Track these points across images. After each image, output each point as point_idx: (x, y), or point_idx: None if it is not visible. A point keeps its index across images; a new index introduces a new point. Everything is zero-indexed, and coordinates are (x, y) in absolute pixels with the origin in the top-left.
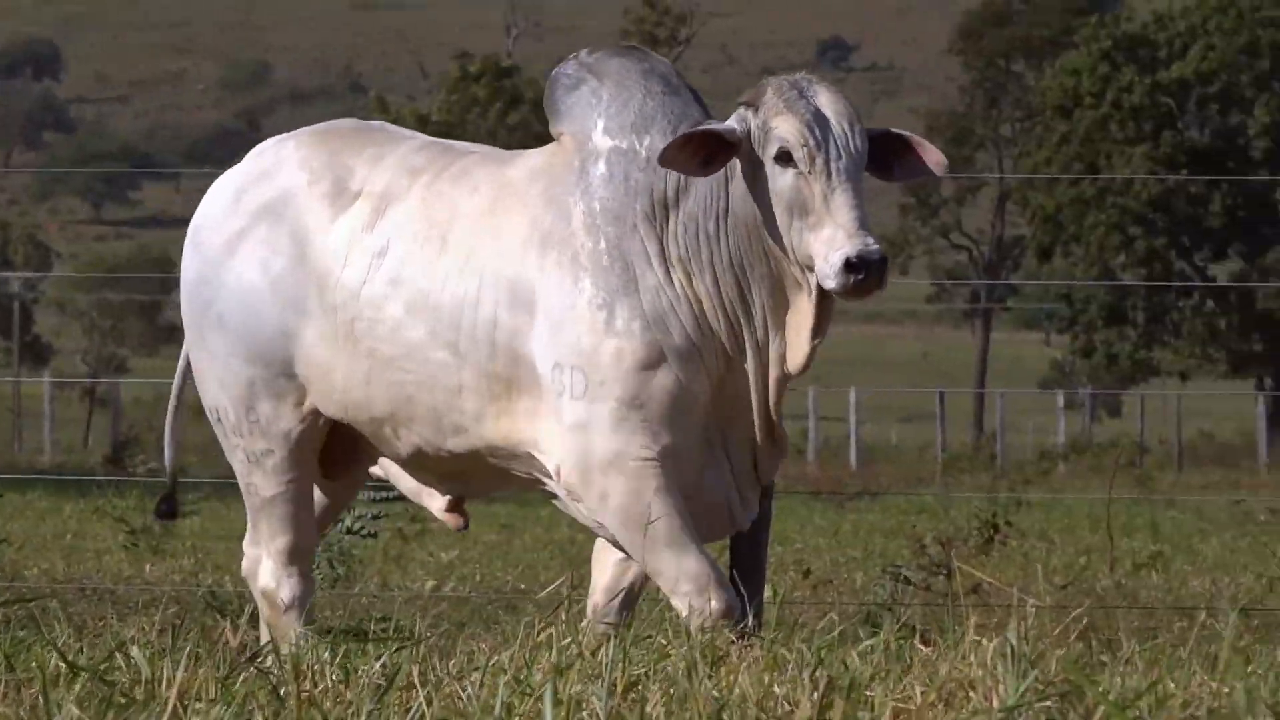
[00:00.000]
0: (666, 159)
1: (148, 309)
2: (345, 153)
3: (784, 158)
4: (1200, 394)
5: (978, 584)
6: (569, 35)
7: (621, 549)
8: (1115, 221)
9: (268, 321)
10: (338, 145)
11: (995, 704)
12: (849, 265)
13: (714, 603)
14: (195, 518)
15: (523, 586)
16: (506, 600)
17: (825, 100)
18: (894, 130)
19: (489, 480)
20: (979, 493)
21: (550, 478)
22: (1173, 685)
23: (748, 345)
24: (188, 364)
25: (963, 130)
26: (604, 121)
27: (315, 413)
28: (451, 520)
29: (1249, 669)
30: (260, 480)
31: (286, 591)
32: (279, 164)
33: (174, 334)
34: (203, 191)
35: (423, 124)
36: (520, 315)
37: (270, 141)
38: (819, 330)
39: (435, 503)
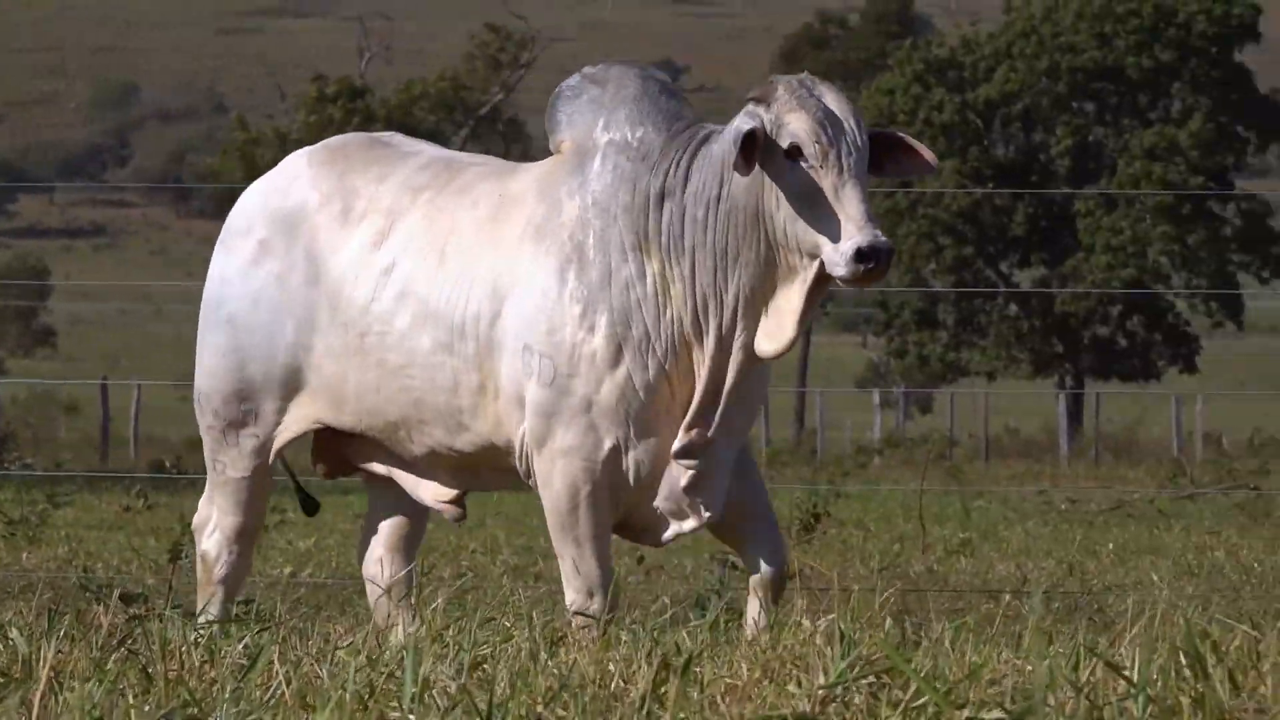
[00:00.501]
0: (739, 168)
1: (24, 313)
2: (351, 174)
3: (795, 152)
4: (1006, 392)
5: (800, 569)
6: (417, 58)
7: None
8: (926, 231)
9: (280, 331)
10: (344, 166)
11: (819, 681)
12: (860, 254)
13: (594, 604)
14: (68, 508)
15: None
16: (360, 585)
17: (832, 99)
18: (889, 130)
19: (499, 476)
20: (801, 484)
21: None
22: (979, 660)
23: (710, 330)
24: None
25: None
26: (604, 118)
27: (307, 418)
28: (449, 511)
29: (1050, 648)
30: (230, 460)
31: (221, 568)
32: (294, 179)
33: (48, 337)
34: (75, 205)
35: (283, 141)
36: (495, 303)
37: (295, 154)
38: (806, 316)
39: (429, 493)
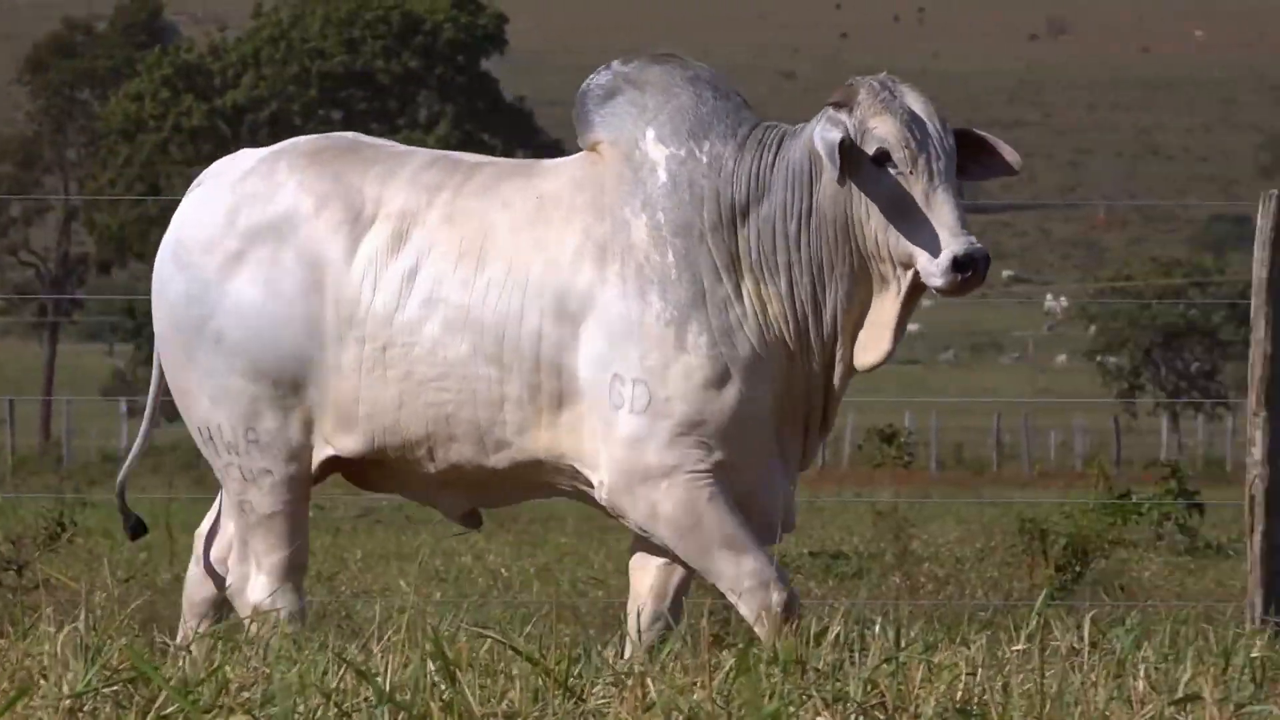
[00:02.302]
0: (841, 181)
1: None
2: (348, 174)
3: (883, 158)
4: None
5: (47, 578)
6: None
7: (676, 559)
8: None
9: (277, 340)
10: (338, 167)
11: (65, 690)
12: (957, 263)
13: (776, 596)
14: None
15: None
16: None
17: (914, 100)
18: (972, 129)
19: (517, 492)
20: (47, 493)
21: (592, 488)
22: (231, 672)
23: (813, 344)
24: (160, 381)
25: (31, 155)
26: (654, 130)
27: (324, 443)
28: (470, 520)
29: (302, 654)
30: (256, 497)
31: (285, 606)
32: (274, 186)
33: None
34: None
35: None
36: (565, 327)
37: (252, 158)
38: (903, 327)
39: (448, 505)
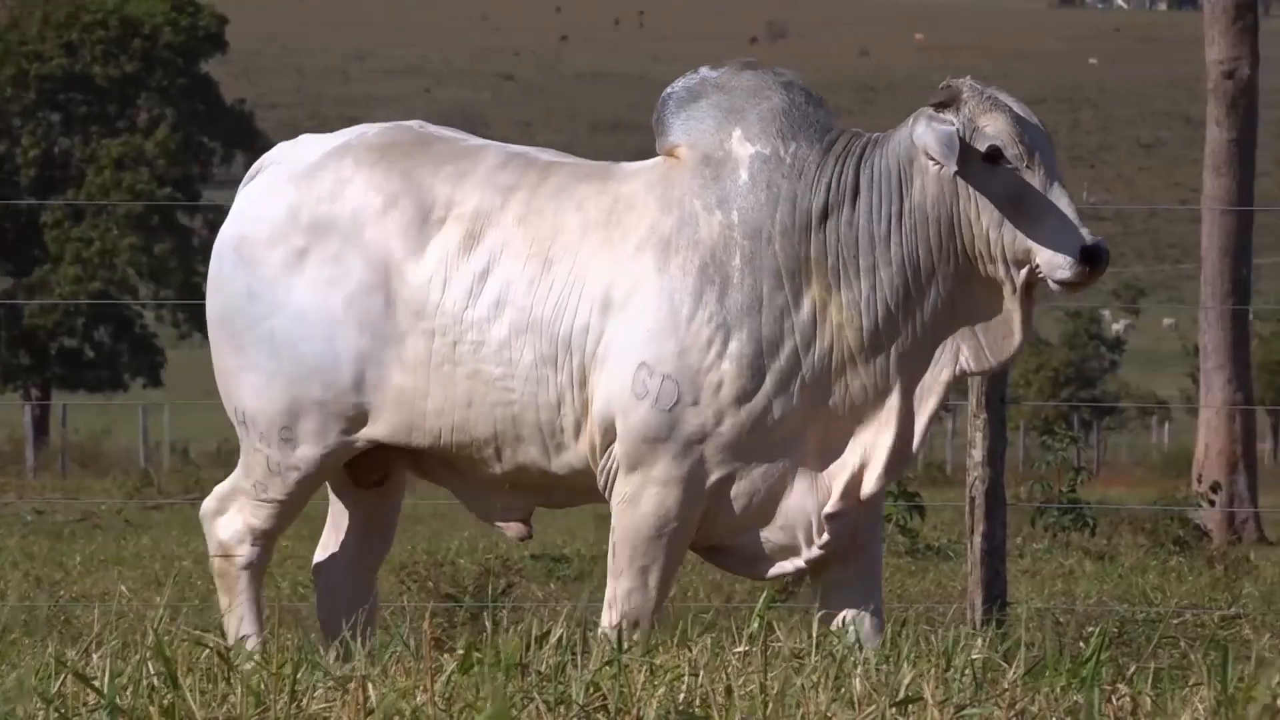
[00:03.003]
0: (960, 171)
1: None
2: (419, 173)
3: (995, 155)
4: None
5: None
6: None
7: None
8: None
9: (335, 344)
10: (407, 165)
11: None
12: (1086, 254)
13: (636, 637)
14: None
15: None
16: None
17: (1010, 100)
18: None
19: (574, 494)
20: None
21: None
22: None
23: (893, 353)
24: None
25: None
26: (741, 129)
27: (365, 441)
28: (515, 528)
29: (19, 658)
30: (276, 487)
31: (245, 554)
32: (341, 182)
33: None
34: None
35: None
36: (606, 317)
37: (316, 149)
38: (1030, 321)
39: (497, 513)
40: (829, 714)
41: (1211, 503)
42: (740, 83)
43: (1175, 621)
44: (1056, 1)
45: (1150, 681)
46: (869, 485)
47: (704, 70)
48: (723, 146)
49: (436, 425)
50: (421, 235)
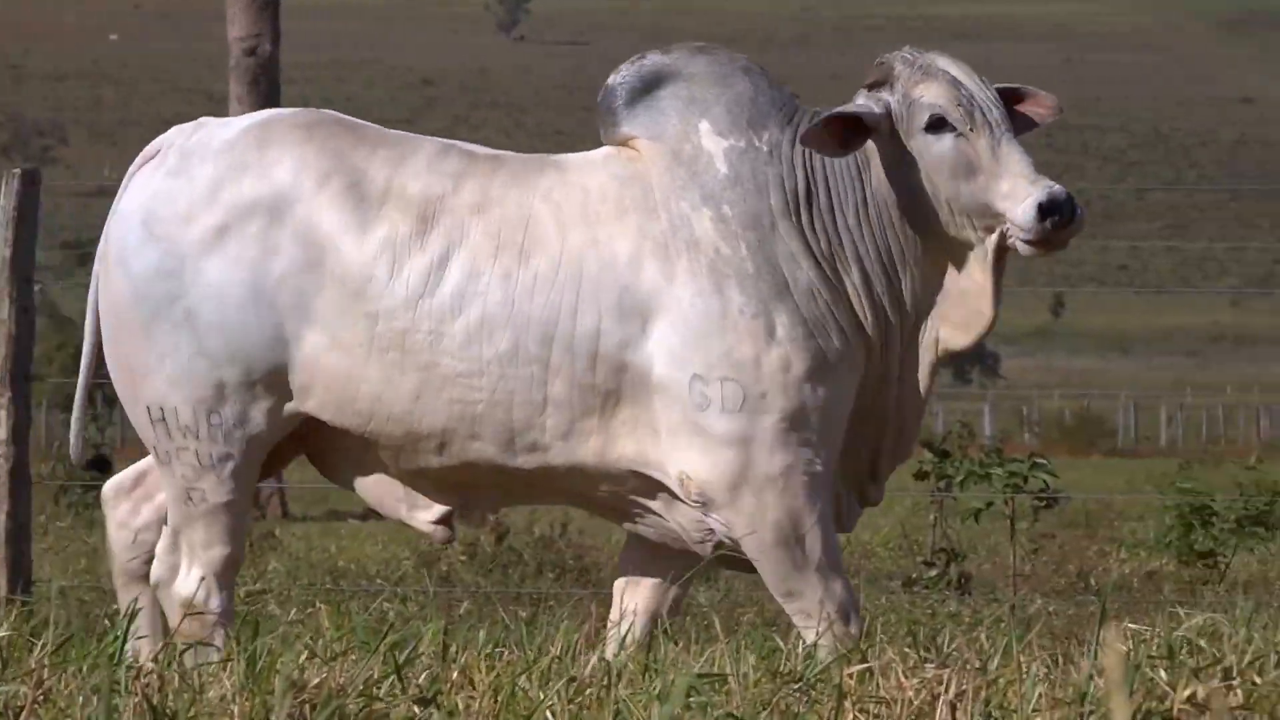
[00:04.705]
0: (809, 139)
1: None
2: (353, 154)
3: (937, 124)
4: None
5: None
6: None
7: (655, 560)
8: None
9: (259, 324)
10: (339, 145)
11: None
12: (1042, 210)
13: (853, 629)
14: None
15: None
16: None
17: (946, 62)
18: (1003, 85)
19: (530, 495)
20: None
21: (646, 497)
22: None
23: (893, 339)
24: (96, 355)
25: None
26: (708, 122)
27: (293, 417)
28: (441, 533)
29: None
30: (211, 485)
31: (216, 602)
32: (268, 161)
33: None
34: None
35: None
36: (631, 325)
37: (230, 128)
38: (999, 292)
39: (424, 515)
40: None
41: None
42: (698, 68)
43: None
44: None
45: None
46: (881, 472)
47: (652, 55)
48: (690, 140)
49: (370, 410)
50: (359, 215)
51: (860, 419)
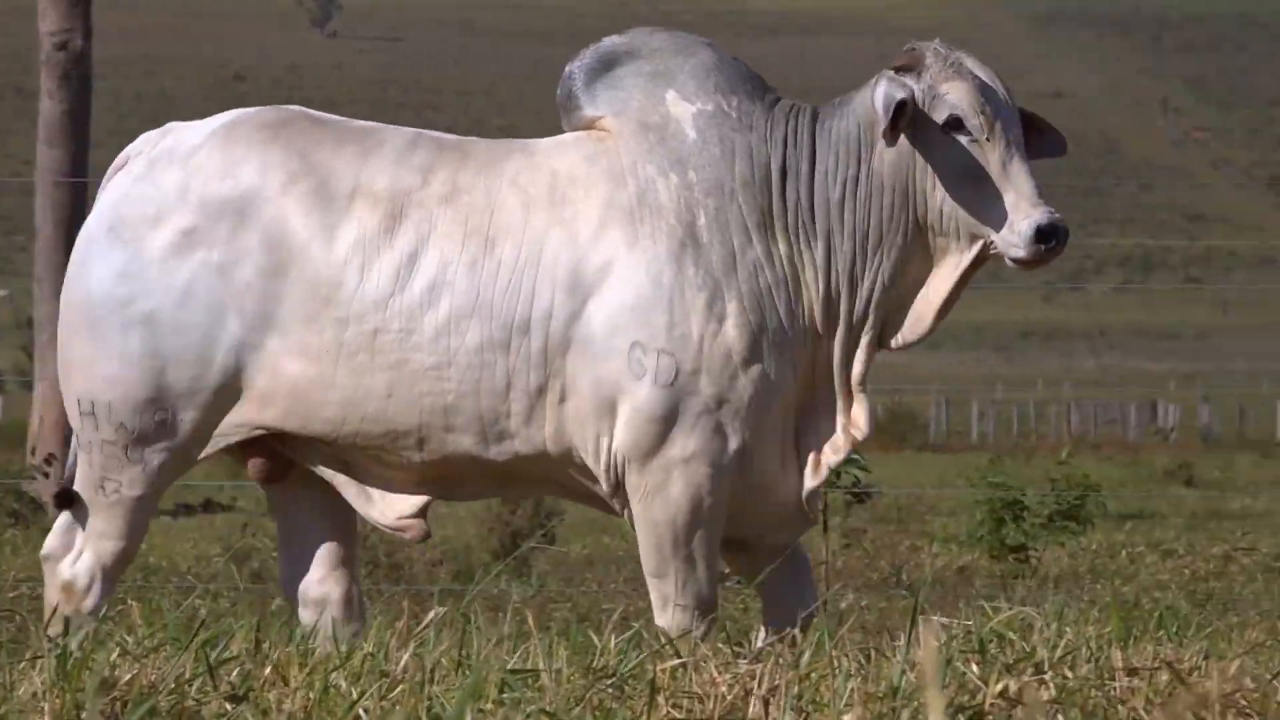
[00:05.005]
0: (886, 137)
1: None
2: (319, 152)
3: (955, 124)
4: None
5: None
6: None
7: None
8: None
9: (222, 329)
10: (304, 143)
11: None
12: (1041, 233)
13: (700, 628)
14: None
15: None
16: None
17: (977, 67)
18: (1024, 109)
19: (512, 487)
20: None
21: (594, 480)
22: None
23: (841, 318)
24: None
25: None
26: (674, 90)
27: (245, 427)
28: (416, 528)
29: None
30: (129, 479)
31: (93, 598)
32: (234, 161)
33: None
34: None
35: None
36: (576, 298)
37: (197, 132)
38: (950, 306)
39: (396, 509)
40: None
41: (46, 475)
42: (657, 43)
43: (12, 595)
44: None
45: None
46: (829, 461)
47: (608, 39)
48: (657, 110)
49: (340, 415)
50: (327, 217)
51: (814, 404)
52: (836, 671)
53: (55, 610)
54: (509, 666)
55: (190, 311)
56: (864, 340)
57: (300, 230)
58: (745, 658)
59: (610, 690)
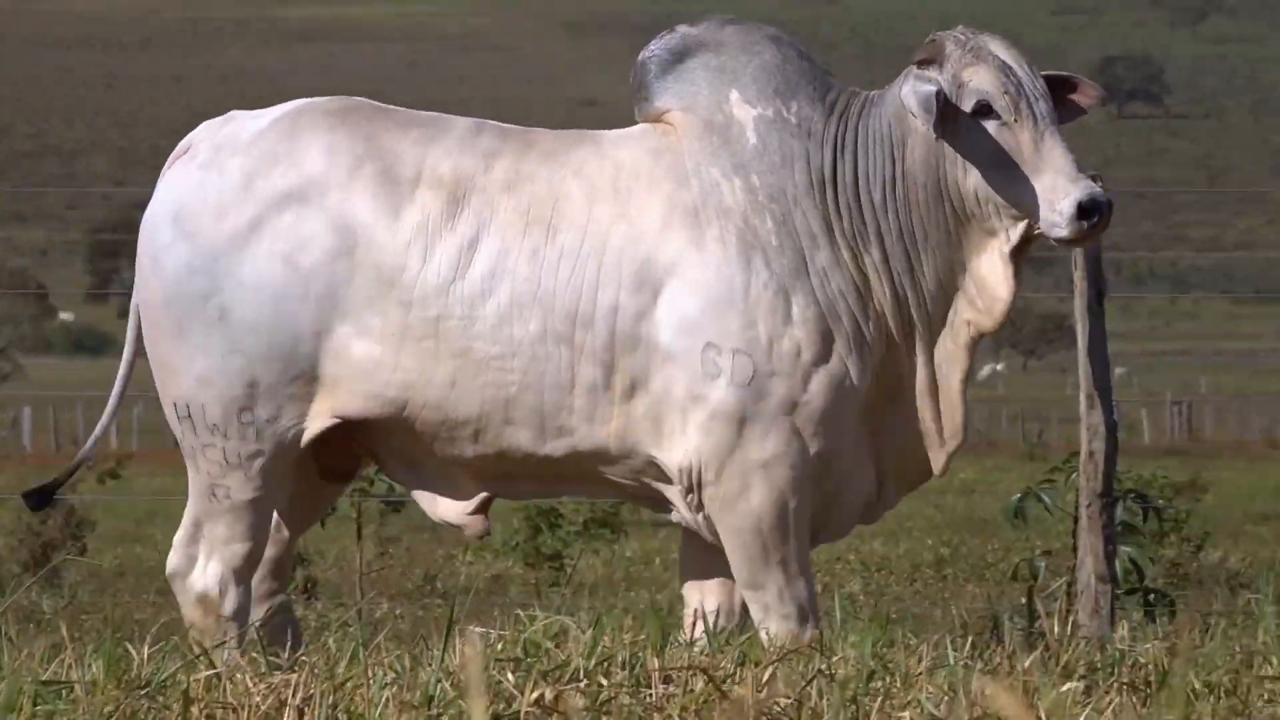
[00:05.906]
0: (937, 130)
1: None
2: (385, 136)
3: (983, 111)
4: None
5: None
6: None
7: (714, 556)
8: None
9: (294, 319)
10: (370, 129)
11: None
12: (1082, 209)
13: (808, 631)
14: None
15: None
16: None
17: (998, 47)
18: (1051, 72)
19: (565, 485)
20: None
21: (662, 481)
22: None
23: (916, 320)
24: (132, 360)
25: None
26: (738, 90)
27: (327, 416)
28: (477, 524)
29: None
30: (238, 482)
31: (231, 602)
32: (299, 148)
33: None
34: None
35: None
36: (644, 295)
37: (261, 119)
38: (1018, 280)
39: (454, 508)
40: None
41: None
42: (726, 37)
43: None
44: None
45: None
46: (937, 464)
47: (682, 28)
48: (721, 110)
49: (403, 398)
50: (392, 200)
51: (890, 406)
52: (371, 680)
53: (193, 625)
54: (42, 678)
55: (264, 305)
56: (955, 333)
57: (365, 213)
58: (281, 668)
59: (144, 701)
